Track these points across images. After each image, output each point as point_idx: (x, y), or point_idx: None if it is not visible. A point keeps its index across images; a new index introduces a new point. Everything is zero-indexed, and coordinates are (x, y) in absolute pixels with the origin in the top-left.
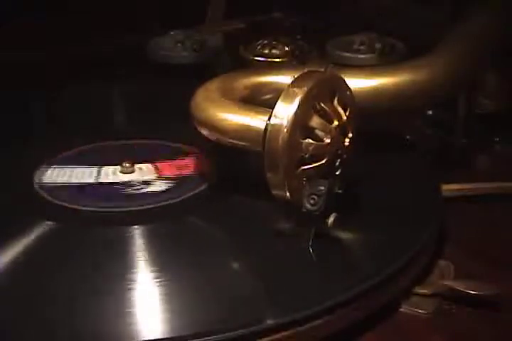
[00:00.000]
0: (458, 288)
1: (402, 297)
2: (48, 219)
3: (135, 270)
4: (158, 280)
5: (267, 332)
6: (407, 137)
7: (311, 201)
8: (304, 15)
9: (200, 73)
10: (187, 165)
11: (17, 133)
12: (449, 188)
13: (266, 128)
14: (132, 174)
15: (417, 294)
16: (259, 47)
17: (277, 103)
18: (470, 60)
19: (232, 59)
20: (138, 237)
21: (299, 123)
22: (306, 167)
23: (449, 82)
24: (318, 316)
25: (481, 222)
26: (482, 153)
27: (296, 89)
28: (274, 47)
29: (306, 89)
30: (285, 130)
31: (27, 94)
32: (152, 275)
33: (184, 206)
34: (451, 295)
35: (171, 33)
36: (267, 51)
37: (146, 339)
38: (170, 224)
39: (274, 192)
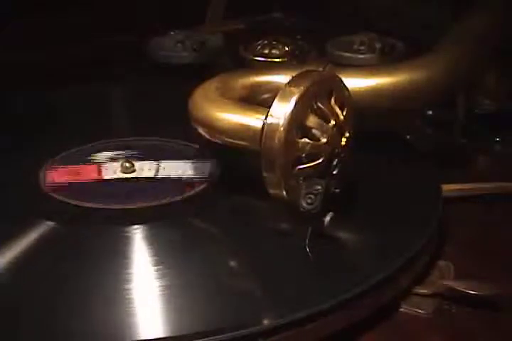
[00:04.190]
0: (458, 288)
1: (402, 297)
2: (49, 219)
3: (135, 269)
4: (158, 279)
5: (267, 332)
6: (407, 137)
7: (308, 200)
8: (304, 15)
9: (200, 73)
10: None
11: (17, 133)
12: (449, 188)
13: (263, 128)
14: (133, 173)
15: (417, 294)
16: (259, 47)
17: (274, 102)
18: (469, 60)
19: (232, 59)
20: (138, 237)
21: (296, 122)
22: (302, 166)
23: (447, 81)
24: (318, 316)
25: (481, 222)
26: (482, 153)
27: (292, 89)
28: (274, 47)
29: (302, 88)
30: (281, 129)
31: (27, 94)
32: (152, 275)
33: (184, 205)
34: (451, 295)
35: (171, 33)
36: (266, 51)
37: (146, 339)
38: (170, 223)
39: (271, 191)
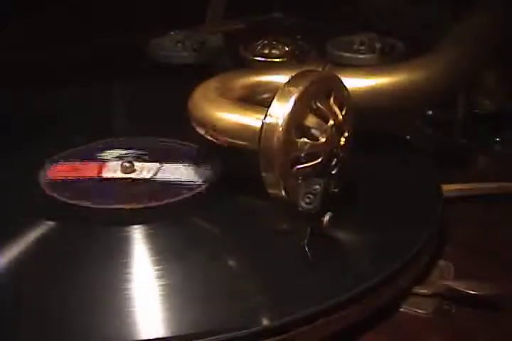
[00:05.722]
0: (458, 288)
1: (402, 297)
2: (48, 219)
3: (135, 269)
4: (158, 279)
5: (266, 332)
6: (407, 137)
7: (307, 200)
8: (303, 15)
9: (200, 73)
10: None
11: (17, 133)
12: (449, 188)
13: (262, 127)
14: (133, 173)
15: (417, 294)
16: (259, 47)
17: (273, 102)
18: (469, 60)
19: (232, 59)
20: (138, 237)
21: (295, 122)
22: (301, 166)
23: (447, 81)
24: (318, 316)
25: (481, 222)
26: (482, 153)
27: (291, 88)
28: (274, 47)
29: (301, 88)
30: (280, 129)
31: (27, 94)
32: (152, 274)
33: (184, 206)
34: (451, 295)
35: (171, 33)
36: (267, 51)
37: (146, 339)
38: (170, 223)
39: (270, 191)
